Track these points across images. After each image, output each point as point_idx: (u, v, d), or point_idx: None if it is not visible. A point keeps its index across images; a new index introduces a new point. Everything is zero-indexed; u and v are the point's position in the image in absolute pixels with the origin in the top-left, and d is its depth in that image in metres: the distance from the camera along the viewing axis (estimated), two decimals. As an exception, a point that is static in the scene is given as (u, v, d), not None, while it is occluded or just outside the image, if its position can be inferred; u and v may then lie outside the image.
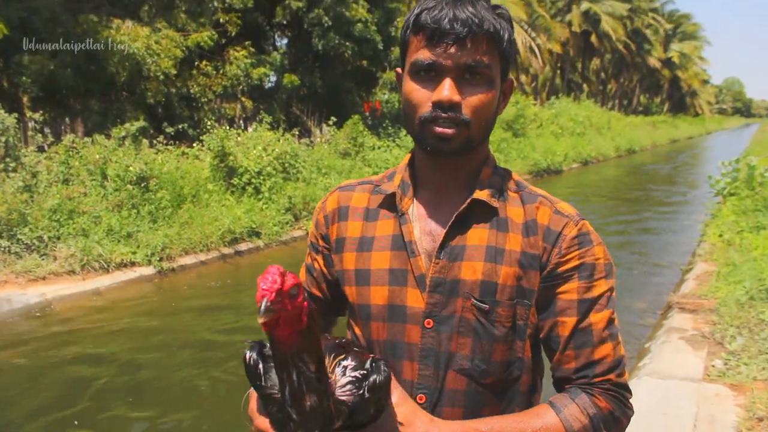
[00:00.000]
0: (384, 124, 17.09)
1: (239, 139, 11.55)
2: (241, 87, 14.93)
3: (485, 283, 1.10)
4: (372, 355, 1.02)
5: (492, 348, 1.10)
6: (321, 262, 1.27)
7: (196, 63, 14.27)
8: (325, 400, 0.92)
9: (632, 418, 1.14)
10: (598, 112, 33.63)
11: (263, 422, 1.03)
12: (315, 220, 1.29)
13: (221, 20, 14.18)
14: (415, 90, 1.08)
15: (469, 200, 1.13)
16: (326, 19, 15.35)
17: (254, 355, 1.00)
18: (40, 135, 8.97)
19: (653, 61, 51.91)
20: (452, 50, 1.04)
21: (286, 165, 11.47)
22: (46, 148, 9.26)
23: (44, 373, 5.22)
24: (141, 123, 10.64)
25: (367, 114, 17.79)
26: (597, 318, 1.10)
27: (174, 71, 12.70)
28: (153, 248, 8.03)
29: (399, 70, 1.16)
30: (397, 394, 1.02)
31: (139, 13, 13.52)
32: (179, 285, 7.85)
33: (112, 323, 6.41)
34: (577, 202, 14.83)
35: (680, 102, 70.17)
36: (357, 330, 1.20)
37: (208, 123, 11.69)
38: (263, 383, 0.98)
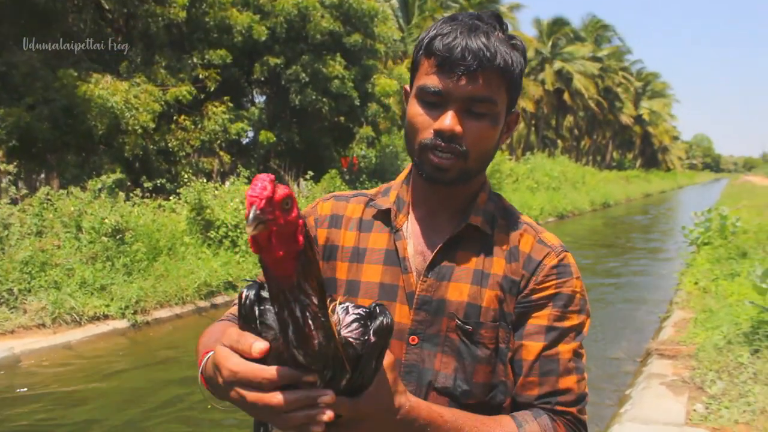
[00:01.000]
0: (361, 179, 17.21)
1: (216, 192, 11.54)
2: (219, 142, 14.99)
3: (470, 306, 1.10)
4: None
5: (474, 368, 1.10)
6: None
7: (174, 117, 14.34)
8: (333, 339, 0.82)
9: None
10: (572, 168, 34.25)
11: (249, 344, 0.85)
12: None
13: (200, 75, 14.32)
14: (419, 114, 1.09)
15: (463, 225, 1.14)
16: (303, 75, 15.60)
17: (251, 295, 0.87)
18: (14, 187, 8.84)
19: (625, 118, 53.28)
20: (461, 82, 1.04)
21: (264, 218, 11.40)
22: (19, 200, 9.12)
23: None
24: (117, 175, 10.59)
25: (345, 169, 17.94)
26: (565, 348, 1.10)
27: (152, 125, 12.73)
28: (127, 301, 7.87)
29: (407, 87, 1.17)
30: (389, 358, 0.95)
31: (119, 68, 13.63)
32: (153, 338, 7.68)
33: (81, 379, 6.21)
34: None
35: (652, 157, 71.82)
36: None
37: (185, 176, 11.65)
38: (258, 327, 0.86)
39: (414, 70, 1.13)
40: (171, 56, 14.13)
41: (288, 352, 0.82)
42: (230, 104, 15.20)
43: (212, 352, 0.91)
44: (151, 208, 10.56)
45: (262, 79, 16.62)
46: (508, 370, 1.12)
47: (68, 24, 13.70)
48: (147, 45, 14.15)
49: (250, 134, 17.18)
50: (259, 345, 0.83)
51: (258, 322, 0.86)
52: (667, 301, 9.23)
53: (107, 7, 14.41)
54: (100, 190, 9.65)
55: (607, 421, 4.99)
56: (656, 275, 12.58)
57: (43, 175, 12.66)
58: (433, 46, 1.07)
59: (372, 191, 1.28)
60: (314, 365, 0.82)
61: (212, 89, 14.62)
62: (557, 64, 41.95)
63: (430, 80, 1.07)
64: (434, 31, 1.08)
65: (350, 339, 0.85)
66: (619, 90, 50.92)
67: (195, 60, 14.44)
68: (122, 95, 12.00)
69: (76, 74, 11.79)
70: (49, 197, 9.03)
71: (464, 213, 1.16)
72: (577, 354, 1.11)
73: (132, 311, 7.85)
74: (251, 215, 0.73)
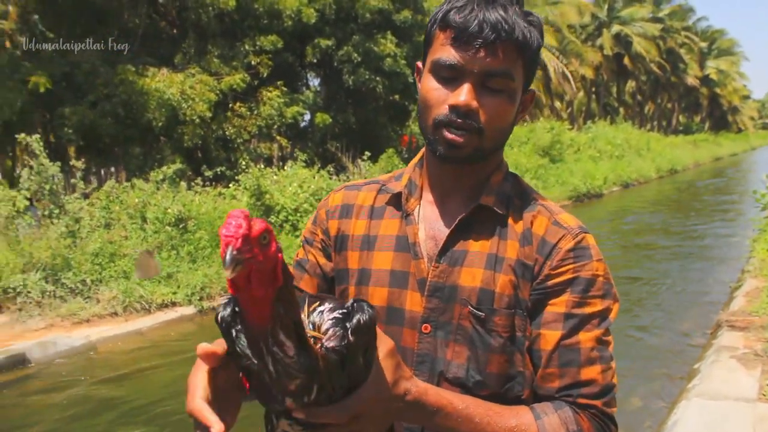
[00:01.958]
0: (419, 156, 17.09)
1: (275, 177, 11.70)
2: (275, 126, 15.17)
3: (483, 291, 1.05)
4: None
5: (488, 359, 1.05)
6: (315, 254, 1.22)
7: (230, 105, 14.59)
8: (315, 374, 0.78)
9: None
10: (636, 134, 33.17)
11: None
12: (314, 216, 1.25)
13: (253, 62, 14.50)
14: (433, 89, 1.05)
15: (474, 206, 1.09)
16: (355, 55, 15.57)
17: (227, 316, 0.82)
18: (82, 182, 9.20)
19: (690, 80, 51.19)
20: (478, 54, 1.00)
21: (323, 201, 11.54)
22: (88, 194, 9.50)
23: (94, 413, 5.27)
24: (177, 165, 10.88)
25: (404, 148, 17.88)
26: (586, 336, 1.02)
27: (209, 114, 12.99)
28: (193, 288, 8.11)
29: (419, 64, 1.12)
30: (386, 346, 0.90)
31: (174, 60, 13.93)
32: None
33: (154, 362, 6.47)
34: (623, 221, 14.56)
35: (721, 119, 68.80)
36: None
37: (243, 163, 11.87)
38: (237, 350, 0.82)
39: (428, 44, 1.08)
40: (223, 45, 14.35)
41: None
42: (284, 88, 15.34)
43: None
44: (212, 196, 10.81)
45: (315, 61, 16.69)
46: (527, 360, 1.06)
47: (124, 20, 14.07)
48: (199, 36, 14.41)
49: (307, 117, 17.33)
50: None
51: (236, 344, 0.81)
52: (738, 269, 8.88)
53: (160, 0, 14.73)
54: (162, 180, 9.93)
55: (675, 397, 4.85)
56: (727, 242, 12.10)
57: (113, 169, 13.13)
58: (449, 18, 1.02)
59: (385, 177, 1.25)
60: (293, 398, 0.80)
61: (265, 75, 14.78)
62: (615, 28, 40.55)
63: (446, 53, 1.02)
64: (448, 5, 1.03)
65: (329, 346, 0.81)
66: (682, 51, 48.87)
67: (247, 47, 14.61)
68: (178, 87, 12.29)
69: (133, 69, 12.13)
70: (114, 190, 9.36)
71: (478, 194, 1.11)
72: (601, 342, 1.03)
73: (198, 297, 8.08)
74: (228, 257, 0.68)
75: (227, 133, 14.19)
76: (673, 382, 5.29)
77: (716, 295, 8.09)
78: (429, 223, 1.13)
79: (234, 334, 0.81)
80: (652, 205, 19.12)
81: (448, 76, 1.03)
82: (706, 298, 8.06)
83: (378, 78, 15.90)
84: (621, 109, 47.83)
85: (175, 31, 14.32)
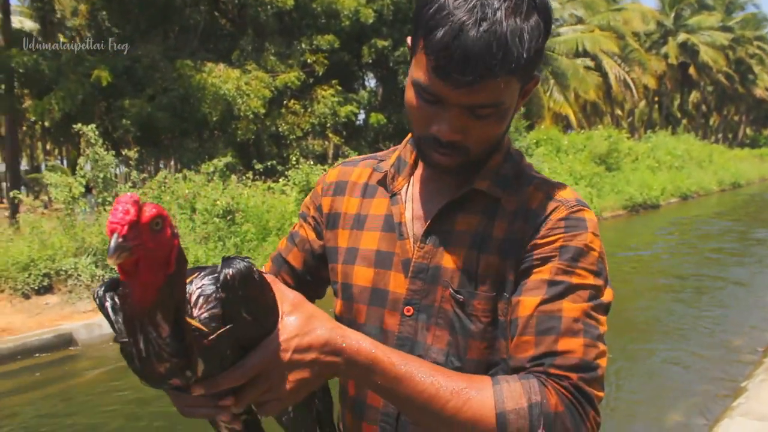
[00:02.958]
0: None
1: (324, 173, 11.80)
2: (329, 125, 15.30)
3: (464, 272, 0.98)
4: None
5: (467, 344, 0.97)
6: (307, 229, 1.20)
7: (284, 102, 14.79)
8: (184, 354, 0.75)
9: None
10: (698, 146, 32.13)
11: None
12: (312, 192, 1.23)
13: (309, 61, 14.66)
14: (415, 108, 0.96)
15: (466, 189, 1.02)
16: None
17: (107, 299, 0.79)
18: (135, 172, 9.46)
19: (760, 92, 49.22)
20: (461, 90, 0.89)
21: (372, 199, 11.60)
22: (141, 184, 9.76)
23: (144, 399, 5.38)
24: (228, 159, 11.08)
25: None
26: (570, 306, 0.89)
27: (263, 110, 13.20)
28: (237, 278, 8.22)
29: (409, 42, 0.98)
30: (289, 302, 0.85)
31: (231, 56, 14.21)
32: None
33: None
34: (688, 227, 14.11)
35: (792, 134, 66.06)
36: (339, 309, 1.12)
37: (293, 159, 12.01)
38: (115, 331, 0.79)
39: (414, 39, 0.95)
40: (280, 43, 14.56)
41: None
42: (339, 87, 15.45)
43: None
44: (261, 189, 10.96)
45: (371, 61, 16.77)
46: None
47: (186, 17, 14.43)
48: (257, 33, 14.67)
49: (361, 117, 17.43)
50: None
51: (115, 326, 0.79)
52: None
53: (221, -2, 15.07)
54: (213, 173, 10.13)
55: (717, 415, 4.65)
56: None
57: (171, 161, 13.49)
58: (432, 41, 0.87)
59: (382, 153, 1.20)
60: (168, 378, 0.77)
61: (321, 73, 14.93)
62: (681, 36, 39.41)
63: (427, 80, 0.91)
64: (434, 8, 0.87)
65: (203, 317, 0.78)
66: (752, 61, 47.11)
67: (303, 46, 14.81)
68: (234, 83, 12.52)
69: (191, 64, 12.42)
70: (166, 181, 9.59)
71: (473, 175, 1.02)
72: (589, 316, 0.89)
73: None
74: (112, 244, 0.65)
75: (280, 129, 14.38)
76: (716, 400, 5.08)
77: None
78: (417, 203, 1.07)
79: (112, 313, 0.79)
80: (716, 216, 18.50)
81: (431, 99, 0.93)
82: (759, 314, 7.73)
83: (433, 80, 15.85)
84: (684, 120, 46.42)
85: (233, 28, 14.59)
